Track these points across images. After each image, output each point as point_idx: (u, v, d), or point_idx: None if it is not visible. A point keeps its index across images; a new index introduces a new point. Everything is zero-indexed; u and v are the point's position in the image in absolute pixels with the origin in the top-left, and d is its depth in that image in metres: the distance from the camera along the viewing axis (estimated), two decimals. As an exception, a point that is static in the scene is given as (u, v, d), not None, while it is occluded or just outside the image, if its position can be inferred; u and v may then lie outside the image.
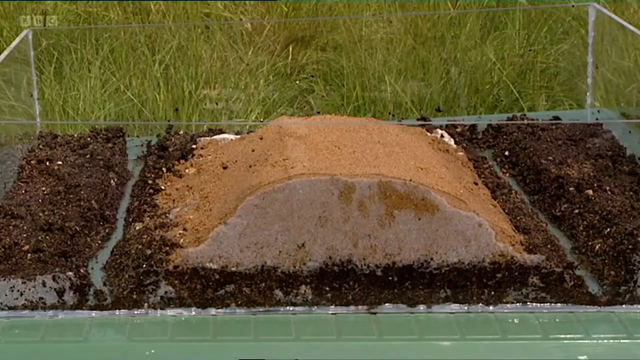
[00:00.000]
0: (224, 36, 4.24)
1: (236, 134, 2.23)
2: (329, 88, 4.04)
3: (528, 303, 1.63)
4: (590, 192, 1.87)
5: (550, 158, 2.06)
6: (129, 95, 3.84)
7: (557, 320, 1.59)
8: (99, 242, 1.83)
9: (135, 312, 1.61)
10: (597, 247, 1.73)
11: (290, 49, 4.25)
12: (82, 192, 1.92)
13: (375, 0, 4.40)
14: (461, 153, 2.11)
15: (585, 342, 1.54)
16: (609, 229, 1.74)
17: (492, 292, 1.63)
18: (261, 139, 1.97)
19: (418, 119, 2.45)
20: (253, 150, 1.92)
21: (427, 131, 2.17)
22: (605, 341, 1.55)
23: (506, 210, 1.85)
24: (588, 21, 2.43)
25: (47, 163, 2.04)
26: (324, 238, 1.61)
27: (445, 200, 1.61)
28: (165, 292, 1.61)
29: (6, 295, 1.60)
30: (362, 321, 1.59)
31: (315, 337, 1.56)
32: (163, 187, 1.97)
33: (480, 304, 1.62)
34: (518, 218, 1.82)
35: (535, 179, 2.04)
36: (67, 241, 1.76)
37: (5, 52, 2.16)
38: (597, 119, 2.33)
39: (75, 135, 2.27)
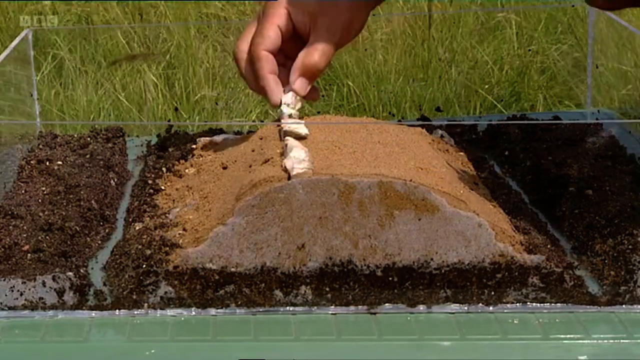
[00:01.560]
0: (224, 36, 4.23)
1: (236, 134, 2.22)
2: (329, 88, 4.04)
3: (528, 303, 1.62)
4: (590, 192, 1.87)
5: (550, 158, 2.05)
6: (129, 95, 3.84)
7: (557, 320, 1.59)
8: (99, 242, 1.82)
9: (135, 312, 1.60)
10: (597, 247, 1.72)
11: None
12: (82, 192, 1.91)
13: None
14: (461, 153, 2.11)
15: (585, 342, 1.54)
16: (609, 229, 1.73)
17: (492, 293, 1.62)
18: (261, 139, 1.97)
19: (418, 119, 2.45)
20: (253, 150, 1.91)
21: (427, 131, 2.17)
22: (605, 341, 1.54)
23: (506, 210, 1.84)
24: (588, 21, 2.42)
25: (47, 163, 2.04)
26: (324, 239, 1.60)
27: (446, 201, 1.61)
28: (165, 293, 1.61)
29: (6, 295, 1.60)
30: (362, 321, 1.59)
31: (315, 337, 1.55)
32: (163, 187, 1.96)
33: (480, 304, 1.62)
34: (518, 218, 1.81)
35: (535, 179, 2.04)
36: (67, 241, 1.75)
37: (5, 52, 2.15)
38: (597, 119, 2.33)
39: (75, 135, 2.26)
